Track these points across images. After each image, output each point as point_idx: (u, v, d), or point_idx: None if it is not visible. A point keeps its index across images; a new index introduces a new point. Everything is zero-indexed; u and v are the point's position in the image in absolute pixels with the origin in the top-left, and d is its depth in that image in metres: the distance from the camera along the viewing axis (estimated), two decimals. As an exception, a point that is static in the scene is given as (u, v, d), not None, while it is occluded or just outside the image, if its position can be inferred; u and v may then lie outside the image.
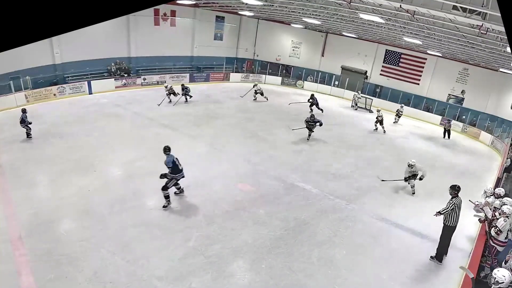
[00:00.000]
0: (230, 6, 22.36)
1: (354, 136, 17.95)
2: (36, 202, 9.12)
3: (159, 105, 18.50)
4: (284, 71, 29.79)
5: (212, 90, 24.21)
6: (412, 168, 11.25)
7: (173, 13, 25.01)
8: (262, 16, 27.22)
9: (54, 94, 18.82)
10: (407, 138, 19.38)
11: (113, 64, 22.68)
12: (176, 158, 9.06)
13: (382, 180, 11.90)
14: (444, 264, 8.07)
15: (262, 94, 22.41)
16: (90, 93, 20.10)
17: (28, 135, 13.13)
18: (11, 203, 9.05)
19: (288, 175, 12.14)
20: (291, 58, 30.19)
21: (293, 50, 30.09)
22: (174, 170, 9.03)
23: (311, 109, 19.92)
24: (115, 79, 21.77)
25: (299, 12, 18.61)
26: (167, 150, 9.05)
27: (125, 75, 22.77)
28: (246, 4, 18.23)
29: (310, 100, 20.68)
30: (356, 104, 24.48)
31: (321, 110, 20.95)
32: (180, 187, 9.77)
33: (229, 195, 10.34)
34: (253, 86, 22.40)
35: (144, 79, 23.18)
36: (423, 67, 25.09)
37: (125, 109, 17.90)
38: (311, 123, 15.51)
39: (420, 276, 7.68)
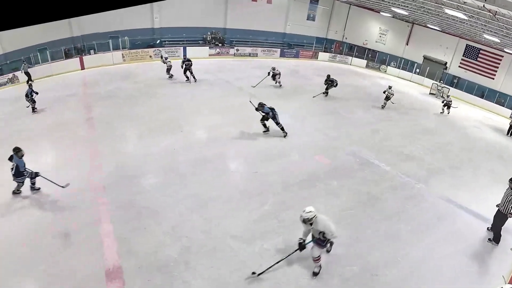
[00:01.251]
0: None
1: (429, 122, 17.82)
2: (122, 155, 9.73)
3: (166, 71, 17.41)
4: (369, 55, 30.75)
5: (301, 67, 24.61)
6: (310, 224, 6.00)
7: (270, -9, 25.69)
8: (354, 2, 28.46)
9: (150, 56, 19.87)
10: (479, 128, 18.86)
11: (209, 33, 23.65)
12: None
13: (257, 275, 6.23)
14: (500, 246, 8.18)
15: (274, 78, 18.41)
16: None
17: (34, 109, 12.30)
18: (98, 155, 9.74)
19: (363, 151, 12.29)
20: (377, 44, 31.11)
21: (380, 36, 30.94)
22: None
23: (326, 92, 18.27)
24: (209, 47, 22.46)
25: (389, 2, 19.54)
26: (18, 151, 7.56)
27: (219, 44, 23.49)
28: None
29: (328, 81, 18.11)
30: (439, 91, 24.53)
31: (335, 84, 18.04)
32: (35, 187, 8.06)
33: (306, 165, 10.60)
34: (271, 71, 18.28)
35: (237, 50, 23.90)
36: (499, 64, 25.43)
37: (216, 77, 18.61)
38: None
39: (476, 255, 7.84)
